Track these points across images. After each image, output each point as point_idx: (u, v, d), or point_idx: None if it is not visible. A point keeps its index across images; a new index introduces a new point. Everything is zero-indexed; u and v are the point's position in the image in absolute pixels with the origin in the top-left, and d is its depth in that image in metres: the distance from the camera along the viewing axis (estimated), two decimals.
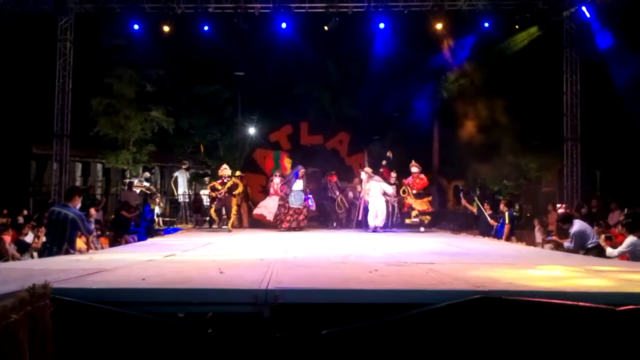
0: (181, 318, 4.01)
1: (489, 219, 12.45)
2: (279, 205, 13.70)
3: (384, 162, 14.34)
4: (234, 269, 5.25)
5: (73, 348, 3.54)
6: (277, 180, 14.55)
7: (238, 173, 14.74)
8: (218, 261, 6.01)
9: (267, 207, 14.30)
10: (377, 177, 13.51)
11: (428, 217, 13.66)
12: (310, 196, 13.85)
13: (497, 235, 11.69)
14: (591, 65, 15.58)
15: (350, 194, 15.07)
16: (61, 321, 3.42)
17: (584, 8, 15.01)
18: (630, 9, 14.00)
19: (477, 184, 17.64)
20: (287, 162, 16.08)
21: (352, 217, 14.79)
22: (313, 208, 14.12)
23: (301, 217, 13.48)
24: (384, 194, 13.21)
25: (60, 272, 4.76)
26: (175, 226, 15.55)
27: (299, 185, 13.64)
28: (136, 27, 16.38)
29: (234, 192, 13.29)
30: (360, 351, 3.71)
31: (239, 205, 13.95)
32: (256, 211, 14.75)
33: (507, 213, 11.63)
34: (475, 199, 13.53)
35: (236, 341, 3.76)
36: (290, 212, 13.38)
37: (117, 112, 17.36)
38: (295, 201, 13.45)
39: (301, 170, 13.85)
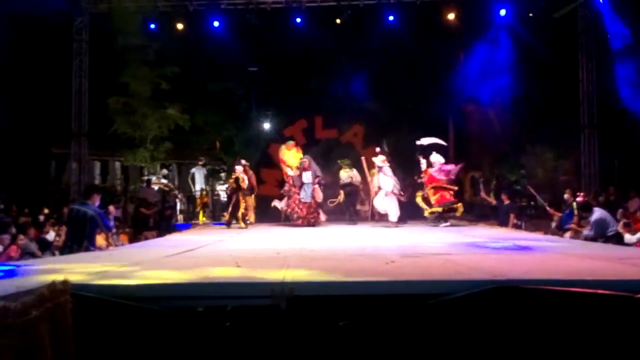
0: (200, 312, 4.05)
1: (547, 207, 12.15)
2: (289, 197, 13.24)
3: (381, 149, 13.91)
4: (250, 262, 5.29)
5: (93, 343, 3.60)
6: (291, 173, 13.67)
7: (244, 162, 14.15)
8: (235, 255, 6.06)
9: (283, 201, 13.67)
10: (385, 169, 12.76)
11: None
12: (316, 186, 13.07)
13: (563, 225, 11.08)
14: (609, 51, 15.33)
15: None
16: (81, 317, 3.48)
17: None
18: None
19: (494, 174, 17.49)
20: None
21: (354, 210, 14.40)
22: (311, 199, 13.02)
23: (310, 212, 12.94)
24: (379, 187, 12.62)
25: (80, 269, 4.84)
26: (190, 221, 15.49)
27: (307, 177, 13.11)
28: (152, 26, 16.51)
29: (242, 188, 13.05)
30: (377, 342, 3.72)
31: (245, 199, 13.67)
32: (274, 203, 14.01)
33: (574, 203, 10.76)
34: (530, 188, 13.15)
35: (254, 334, 3.80)
36: (302, 207, 12.94)
37: (134, 110, 17.48)
38: (306, 196, 12.97)
39: (304, 161, 13.20)
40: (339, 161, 14.60)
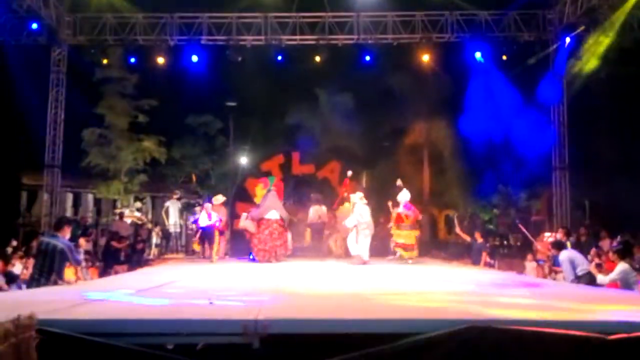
0: (170, 349, 3.95)
1: (538, 247, 11.88)
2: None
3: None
4: (223, 299, 5.21)
5: None
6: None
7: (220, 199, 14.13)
8: (207, 291, 5.96)
9: None
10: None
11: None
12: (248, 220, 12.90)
13: (555, 265, 10.49)
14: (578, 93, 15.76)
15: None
16: (47, 353, 3.37)
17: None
18: None
19: (468, 213, 17.67)
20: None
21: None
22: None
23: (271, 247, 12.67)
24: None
25: (47, 303, 4.71)
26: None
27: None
28: (132, 60, 16.48)
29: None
30: None
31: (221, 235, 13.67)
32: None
33: (568, 242, 10.18)
34: (520, 226, 13.22)
35: None
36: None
37: (109, 142, 17.37)
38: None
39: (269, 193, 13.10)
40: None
